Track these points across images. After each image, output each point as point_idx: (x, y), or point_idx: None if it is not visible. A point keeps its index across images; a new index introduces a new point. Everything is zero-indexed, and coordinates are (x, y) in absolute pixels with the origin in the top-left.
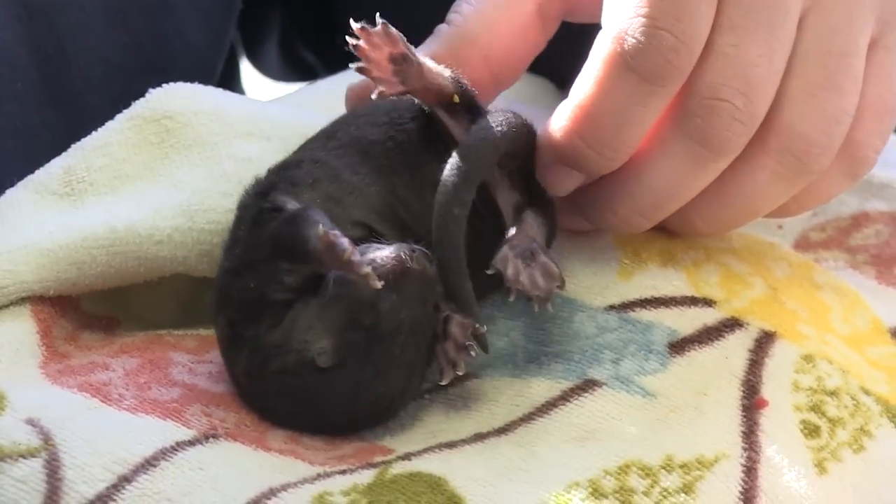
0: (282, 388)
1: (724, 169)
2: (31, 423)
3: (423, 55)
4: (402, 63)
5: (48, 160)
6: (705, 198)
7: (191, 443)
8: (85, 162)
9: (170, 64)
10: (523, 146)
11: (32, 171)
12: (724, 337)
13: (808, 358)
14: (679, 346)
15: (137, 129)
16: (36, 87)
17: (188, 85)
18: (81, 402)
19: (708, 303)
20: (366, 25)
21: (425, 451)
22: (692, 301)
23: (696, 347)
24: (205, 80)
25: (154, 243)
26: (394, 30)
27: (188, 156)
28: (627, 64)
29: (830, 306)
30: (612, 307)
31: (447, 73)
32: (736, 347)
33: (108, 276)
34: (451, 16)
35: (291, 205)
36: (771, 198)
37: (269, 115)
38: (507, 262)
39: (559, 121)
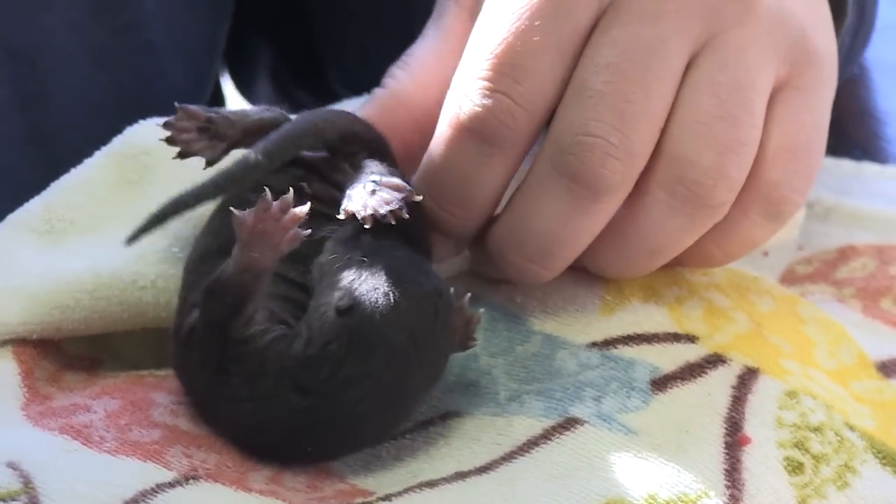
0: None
1: (615, 210)
2: (11, 466)
3: None
4: (210, 125)
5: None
6: (605, 240)
7: (171, 484)
8: (64, 199)
9: (153, 104)
10: (348, 132)
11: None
12: (706, 373)
13: (791, 394)
14: (661, 382)
15: (116, 165)
16: (18, 127)
17: (164, 119)
18: (62, 444)
19: (690, 339)
20: (168, 119)
21: (406, 491)
22: (675, 337)
23: (679, 384)
24: None
25: (138, 288)
26: (190, 106)
27: (167, 192)
28: (465, 126)
29: (815, 341)
30: (594, 344)
31: (253, 109)
32: (719, 384)
33: (91, 320)
34: (385, 80)
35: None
36: (672, 235)
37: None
38: (352, 199)
39: (416, 182)
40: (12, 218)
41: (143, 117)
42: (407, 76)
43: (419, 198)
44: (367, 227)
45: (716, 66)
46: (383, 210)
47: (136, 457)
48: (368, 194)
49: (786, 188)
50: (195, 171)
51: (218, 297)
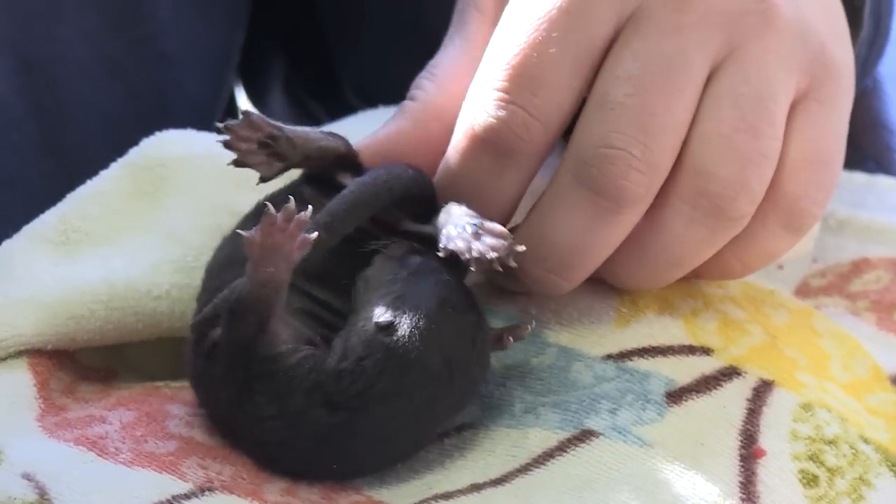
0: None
1: (637, 221)
2: (27, 477)
3: (391, 131)
4: (272, 143)
5: (44, 211)
6: (626, 252)
7: (186, 496)
8: (80, 210)
9: (168, 115)
10: (419, 193)
11: (28, 222)
12: (721, 386)
13: (806, 406)
14: (676, 395)
15: (131, 177)
16: (33, 138)
17: (180, 131)
18: (77, 455)
19: (706, 351)
20: (229, 122)
21: (421, 502)
22: (690, 350)
23: (694, 397)
24: (203, 130)
25: (152, 298)
26: (256, 115)
27: (182, 203)
28: (480, 137)
29: (830, 354)
30: (609, 356)
31: (315, 133)
32: (734, 396)
33: (106, 331)
34: (414, 91)
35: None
36: (693, 247)
37: None
38: (453, 239)
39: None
40: (28, 229)
41: (159, 128)
42: (436, 87)
43: (522, 248)
44: (440, 254)
45: (737, 78)
46: (491, 255)
47: (152, 468)
48: (472, 236)
49: (805, 200)
50: (212, 184)
51: (241, 317)
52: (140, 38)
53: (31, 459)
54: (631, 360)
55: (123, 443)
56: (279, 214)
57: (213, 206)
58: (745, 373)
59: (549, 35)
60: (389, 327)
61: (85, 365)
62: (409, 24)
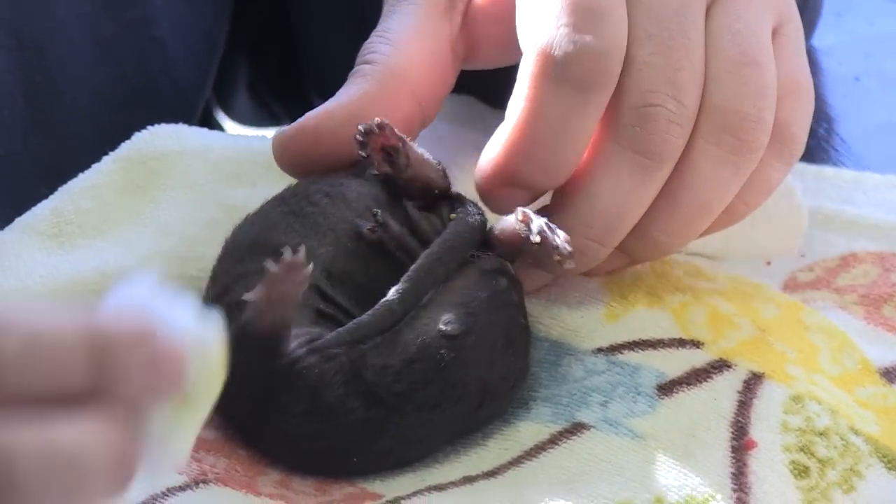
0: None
1: (668, 176)
2: None
3: (355, 95)
4: (392, 154)
5: (31, 188)
6: (657, 208)
7: (181, 488)
8: (73, 203)
9: (155, 98)
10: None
11: (14, 199)
12: (712, 378)
13: (796, 398)
14: (667, 387)
15: (124, 171)
16: (22, 114)
17: (172, 125)
18: None
19: (696, 344)
20: (385, 123)
21: (414, 494)
22: (680, 343)
23: (685, 389)
24: (187, 117)
25: None
26: (390, 127)
27: (175, 197)
28: (558, 75)
29: (819, 347)
30: (599, 350)
31: (433, 165)
32: (724, 389)
33: None
34: (368, 55)
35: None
36: (721, 187)
37: (256, 157)
38: (531, 218)
39: (498, 143)
40: (21, 221)
41: (145, 111)
42: (393, 50)
43: (572, 265)
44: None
45: (730, 17)
46: (556, 243)
47: None
48: (545, 225)
49: (795, 127)
50: (203, 177)
51: (249, 349)
52: (133, 21)
53: None
54: (621, 353)
55: None
56: (278, 269)
57: (205, 199)
58: (736, 365)
59: None
60: (453, 339)
61: None
62: (364, 25)
